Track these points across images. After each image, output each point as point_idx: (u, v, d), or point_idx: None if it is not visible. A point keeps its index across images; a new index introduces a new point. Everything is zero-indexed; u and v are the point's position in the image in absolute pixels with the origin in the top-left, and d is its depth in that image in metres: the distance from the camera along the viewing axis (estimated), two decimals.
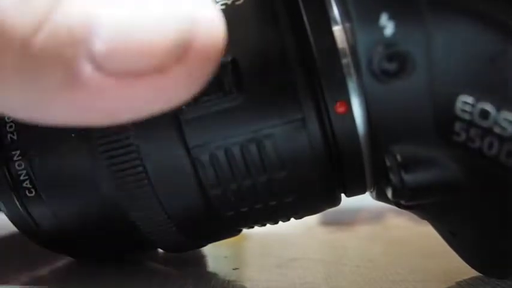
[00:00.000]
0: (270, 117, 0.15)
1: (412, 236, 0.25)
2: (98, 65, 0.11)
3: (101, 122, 0.12)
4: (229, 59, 0.15)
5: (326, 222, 0.27)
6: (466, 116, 0.14)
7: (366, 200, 0.19)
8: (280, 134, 0.15)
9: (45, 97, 0.11)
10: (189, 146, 0.15)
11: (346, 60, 0.15)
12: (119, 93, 0.12)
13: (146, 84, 0.12)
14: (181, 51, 0.12)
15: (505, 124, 0.13)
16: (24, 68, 0.11)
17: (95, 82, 0.11)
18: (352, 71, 0.14)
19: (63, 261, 0.21)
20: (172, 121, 0.15)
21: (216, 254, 0.23)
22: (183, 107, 0.15)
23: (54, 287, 0.19)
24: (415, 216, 0.18)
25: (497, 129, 0.13)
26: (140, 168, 0.16)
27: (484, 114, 0.13)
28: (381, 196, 0.17)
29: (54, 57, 0.11)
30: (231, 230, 0.19)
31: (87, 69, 0.11)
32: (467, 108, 0.14)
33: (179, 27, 0.12)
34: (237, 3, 0.16)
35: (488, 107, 0.13)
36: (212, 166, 0.16)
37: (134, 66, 0.12)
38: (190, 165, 0.16)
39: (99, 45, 0.11)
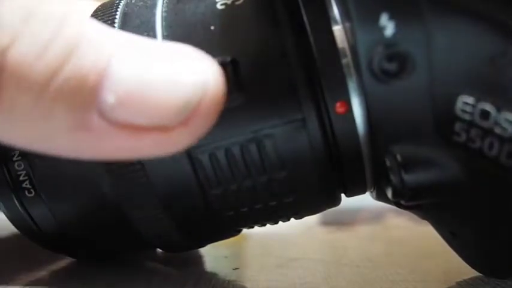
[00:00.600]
0: (270, 118, 0.15)
1: (412, 236, 0.25)
2: (105, 114, 0.12)
3: (103, 158, 0.13)
4: (229, 59, 0.15)
5: (326, 222, 0.27)
6: (467, 117, 0.14)
7: (366, 200, 0.19)
8: (280, 134, 0.15)
9: (53, 136, 0.12)
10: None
11: (346, 60, 0.15)
12: (121, 140, 0.13)
13: (149, 137, 0.13)
14: (187, 116, 0.13)
15: (505, 124, 0.13)
16: (38, 109, 0.12)
17: (101, 129, 0.12)
18: (352, 71, 0.14)
19: (63, 261, 0.21)
20: None
21: (216, 254, 0.23)
22: None
23: (54, 287, 0.19)
24: (415, 216, 0.18)
25: (497, 130, 0.13)
26: (139, 168, 0.16)
27: (485, 114, 0.13)
28: (381, 196, 0.17)
29: (66, 103, 0.12)
30: (231, 230, 0.19)
31: (94, 117, 0.12)
32: (468, 108, 0.14)
33: (189, 93, 0.13)
34: (237, 3, 0.16)
35: (489, 107, 0.13)
36: (212, 166, 0.16)
37: (140, 121, 0.12)
38: (190, 165, 0.16)
39: (109, 97, 0.12)
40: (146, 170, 0.16)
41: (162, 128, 0.13)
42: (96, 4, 0.19)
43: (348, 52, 0.14)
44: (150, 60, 0.13)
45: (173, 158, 0.15)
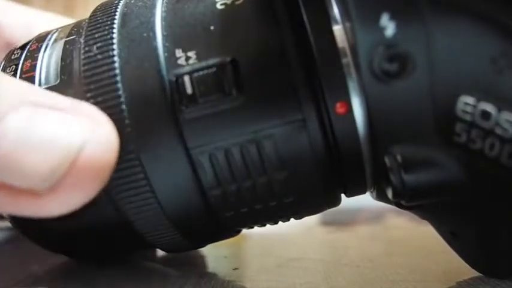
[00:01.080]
0: (270, 118, 0.15)
1: (412, 236, 0.25)
2: None
3: None
4: (228, 59, 0.15)
5: (326, 222, 0.27)
6: (467, 117, 0.14)
7: (366, 200, 0.19)
8: (280, 134, 0.15)
9: None
10: (188, 146, 0.15)
11: (346, 61, 0.14)
12: None
13: (22, 199, 0.13)
14: (55, 183, 0.13)
15: (506, 125, 0.13)
16: None
17: None
18: (353, 71, 0.14)
19: (63, 261, 0.21)
20: (171, 122, 0.15)
21: (216, 254, 0.23)
22: (183, 107, 0.15)
23: (54, 286, 0.19)
24: (415, 216, 0.18)
25: (498, 131, 0.13)
26: (139, 169, 0.16)
27: (485, 115, 0.13)
28: (381, 196, 0.17)
29: None
30: (231, 230, 0.19)
31: None
32: (468, 109, 0.14)
33: (55, 159, 0.13)
34: (237, 3, 0.16)
35: (489, 107, 0.13)
36: (212, 167, 0.16)
37: (13, 183, 0.13)
38: (190, 166, 0.16)
39: None
40: (145, 170, 0.16)
41: (32, 192, 0.13)
42: (61, 18, 0.19)
43: (348, 52, 0.14)
44: (36, 119, 0.13)
45: (172, 159, 0.15)
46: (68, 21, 0.20)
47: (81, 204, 0.13)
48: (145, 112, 0.15)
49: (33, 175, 0.13)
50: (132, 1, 0.17)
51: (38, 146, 0.13)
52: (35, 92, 0.14)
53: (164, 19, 0.16)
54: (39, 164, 0.13)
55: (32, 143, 0.13)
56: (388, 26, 0.13)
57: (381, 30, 0.14)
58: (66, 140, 0.13)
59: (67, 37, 0.17)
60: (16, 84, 0.14)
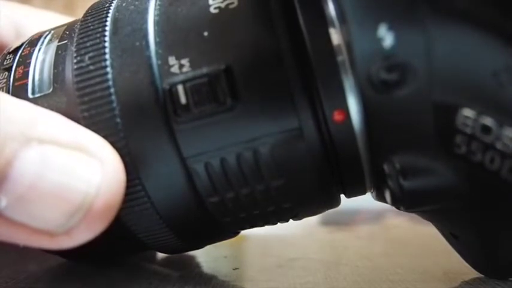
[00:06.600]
0: (266, 127, 0.15)
1: (411, 235, 0.25)
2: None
3: None
4: (222, 67, 0.15)
5: (326, 222, 0.27)
6: (467, 130, 0.13)
7: (365, 200, 0.19)
8: (277, 143, 0.15)
9: None
10: (183, 156, 0.15)
11: (344, 69, 0.14)
12: (13, 233, 0.14)
13: (37, 236, 0.14)
14: (70, 228, 0.14)
15: (507, 141, 0.13)
16: None
17: None
18: (351, 79, 0.14)
19: (62, 261, 0.21)
20: (166, 132, 0.15)
21: (216, 254, 0.23)
22: (177, 117, 0.15)
23: (54, 287, 0.19)
24: (415, 216, 0.18)
25: (499, 145, 0.13)
26: (136, 182, 0.15)
27: (486, 129, 0.13)
28: (381, 196, 0.17)
29: None
30: (229, 233, 0.19)
31: None
32: (469, 122, 0.13)
33: (73, 209, 0.14)
34: (231, 6, 0.15)
35: (490, 122, 0.13)
36: (208, 175, 0.15)
37: (29, 223, 0.14)
38: (185, 174, 0.15)
39: (2, 200, 0.13)
40: (142, 180, 0.15)
41: (47, 233, 0.14)
42: (53, 14, 0.18)
43: (347, 61, 0.14)
44: (48, 161, 0.14)
45: (168, 169, 0.15)
46: (57, 18, 0.20)
47: (92, 238, 0.14)
48: (140, 123, 0.15)
49: (49, 221, 0.14)
50: (124, 4, 0.17)
51: (53, 191, 0.13)
52: (39, 124, 0.14)
53: (157, 24, 0.16)
54: (54, 211, 0.14)
55: (47, 188, 0.13)
56: (386, 37, 0.13)
57: (379, 41, 0.13)
58: (80, 188, 0.14)
59: (59, 41, 0.17)
60: (20, 114, 0.14)
